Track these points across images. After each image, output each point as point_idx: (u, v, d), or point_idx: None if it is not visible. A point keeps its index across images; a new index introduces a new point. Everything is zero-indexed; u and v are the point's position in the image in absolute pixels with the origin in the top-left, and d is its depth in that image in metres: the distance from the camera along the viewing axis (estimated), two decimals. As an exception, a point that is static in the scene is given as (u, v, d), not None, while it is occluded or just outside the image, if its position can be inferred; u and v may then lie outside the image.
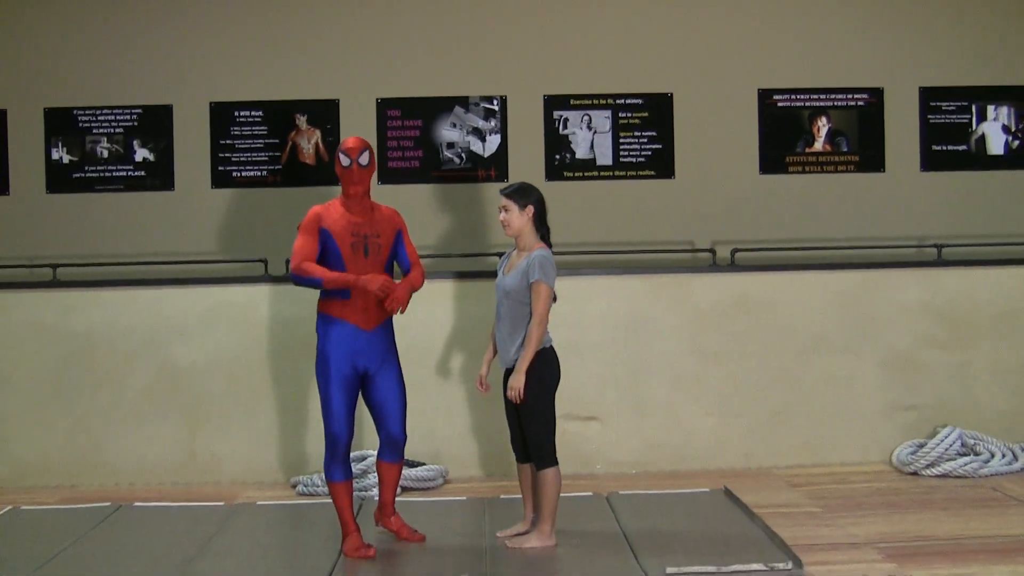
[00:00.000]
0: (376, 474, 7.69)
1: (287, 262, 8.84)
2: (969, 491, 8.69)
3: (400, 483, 8.83)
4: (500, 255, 7.63)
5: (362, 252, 7.15)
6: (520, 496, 7.62)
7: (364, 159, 7.23)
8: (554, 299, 7.12)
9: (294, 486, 9.22)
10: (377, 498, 7.73)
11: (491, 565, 6.91)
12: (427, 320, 9.40)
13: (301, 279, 7.10)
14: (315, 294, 7.27)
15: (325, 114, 10.21)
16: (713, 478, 9.23)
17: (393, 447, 7.42)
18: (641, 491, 8.79)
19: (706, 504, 8.38)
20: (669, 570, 6.61)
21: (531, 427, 7.14)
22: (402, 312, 7.25)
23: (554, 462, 7.13)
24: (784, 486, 8.99)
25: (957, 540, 7.36)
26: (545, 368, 7.14)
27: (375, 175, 9.82)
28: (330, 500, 7.44)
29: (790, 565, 6.65)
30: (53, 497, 9.09)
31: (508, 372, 7.27)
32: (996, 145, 10.50)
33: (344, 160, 7.21)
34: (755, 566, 6.64)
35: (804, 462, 9.63)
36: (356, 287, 7.03)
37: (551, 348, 7.21)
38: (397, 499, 7.99)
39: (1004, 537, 7.42)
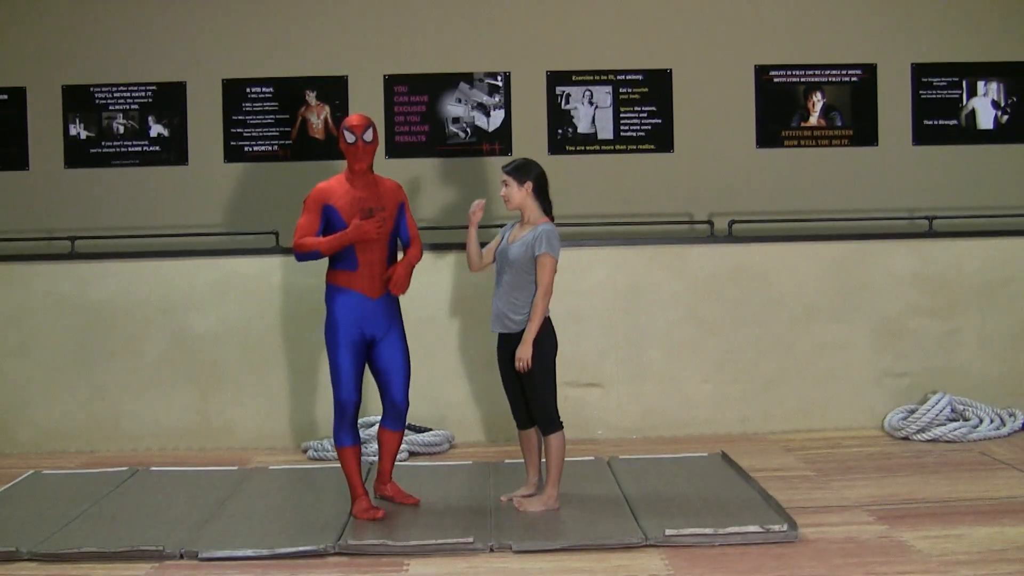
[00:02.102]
0: (383, 441, 7.76)
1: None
2: (958, 455, 8.77)
3: (408, 448, 8.96)
4: (501, 227, 7.68)
5: None
6: (523, 461, 7.74)
7: (368, 135, 7.27)
8: None
9: (305, 451, 9.33)
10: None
11: (496, 527, 6.98)
12: (431, 289, 9.50)
13: (302, 255, 7.19)
14: (324, 265, 7.34)
15: (334, 90, 10.24)
16: (710, 443, 9.31)
17: (395, 413, 7.49)
18: (641, 455, 8.85)
19: (704, 468, 8.42)
20: (668, 532, 6.65)
21: (535, 394, 7.25)
22: (403, 293, 7.38)
23: (559, 427, 7.27)
24: (779, 451, 9.09)
25: (946, 502, 7.45)
26: (544, 337, 7.23)
27: (381, 149, 10.04)
28: (340, 464, 7.59)
29: (785, 527, 6.69)
30: (73, 462, 9.18)
31: (503, 338, 7.39)
32: (985, 120, 10.52)
33: (349, 137, 7.26)
34: (751, 528, 6.69)
35: (798, 427, 9.74)
36: (352, 240, 7.08)
37: (548, 318, 7.29)
38: (406, 464, 8.09)
39: (991, 499, 7.51)
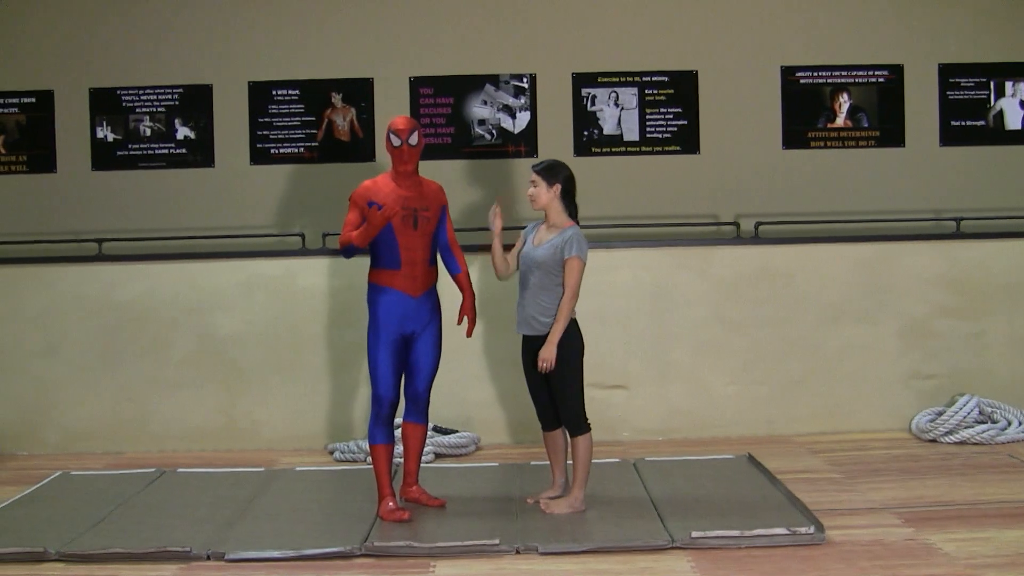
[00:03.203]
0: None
1: (324, 235, 9.14)
2: (986, 457, 8.75)
3: (434, 450, 8.98)
4: (523, 228, 7.68)
5: (411, 224, 7.29)
6: (548, 462, 7.73)
7: (414, 139, 7.36)
8: None
9: (331, 452, 9.33)
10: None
11: (522, 529, 7.01)
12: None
13: (345, 250, 7.29)
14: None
15: (360, 92, 10.22)
16: (735, 445, 9.33)
17: (416, 405, 7.55)
18: (667, 457, 8.85)
19: (730, 470, 8.44)
20: (694, 534, 6.66)
21: (563, 396, 7.27)
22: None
23: (587, 428, 7.28)
24: (805, 453, 9.08)
25: (973, 505, 7.43)
26: (571, 338, 7.25)
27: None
28: (367, 466, 7.46)
29: (812, 529, 6.71)
30: (100, 463, 9.23)
31: (529, 339, 7.40)
32: (1013, 120, 10.44)
33: (395, 141, 7.33)
34: (778, 530, 6.70)
35: (824, 429, 9.71)
36: (378, 225, 7.10)
37: (574, 319, 7.31)
38: (432, 465, 8.08)
39: (1019, 501, 7.49)
